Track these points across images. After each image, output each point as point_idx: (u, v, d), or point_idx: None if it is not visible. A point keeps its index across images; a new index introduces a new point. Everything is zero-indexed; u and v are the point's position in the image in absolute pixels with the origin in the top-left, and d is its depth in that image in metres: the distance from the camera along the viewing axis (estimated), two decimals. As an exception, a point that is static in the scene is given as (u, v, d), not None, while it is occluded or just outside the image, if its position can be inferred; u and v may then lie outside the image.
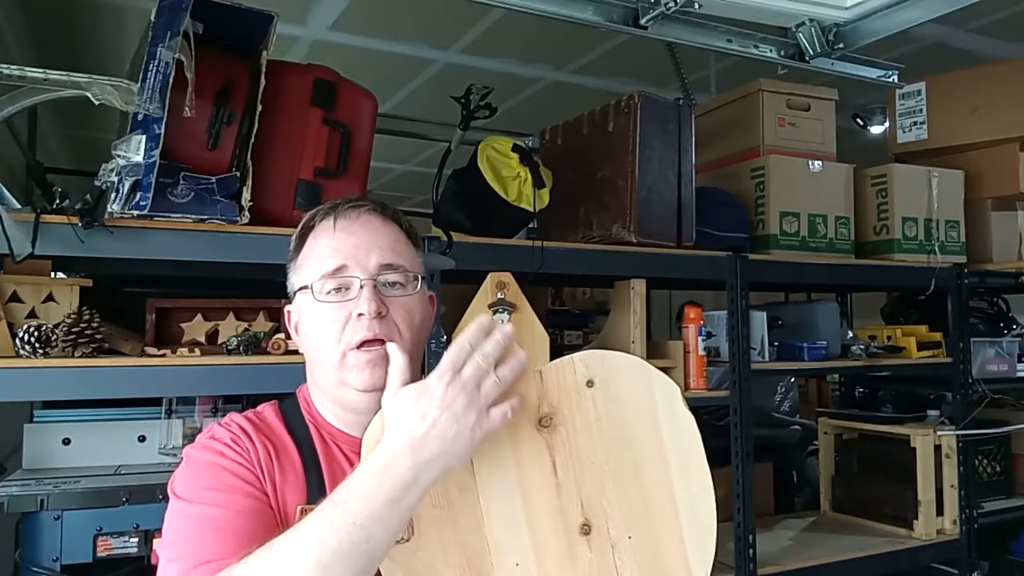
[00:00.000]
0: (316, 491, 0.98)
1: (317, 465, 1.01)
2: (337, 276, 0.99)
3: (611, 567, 0.94)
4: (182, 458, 1.02)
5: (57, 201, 1.57)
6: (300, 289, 1.03)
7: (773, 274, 2.50)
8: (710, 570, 0.97)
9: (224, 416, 1.08)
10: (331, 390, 1.02)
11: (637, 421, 0.97)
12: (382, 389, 0.96)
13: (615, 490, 0.95)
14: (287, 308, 1.09)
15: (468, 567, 0.90)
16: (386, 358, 0.97)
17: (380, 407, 0.95)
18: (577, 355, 0.98)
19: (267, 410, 1.07)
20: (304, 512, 0.94)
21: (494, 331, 0.89)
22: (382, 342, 0.98)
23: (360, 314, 0.97)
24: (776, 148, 2.60)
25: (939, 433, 2.67)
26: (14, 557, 2.03)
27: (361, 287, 0.98)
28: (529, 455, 0.94)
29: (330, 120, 1.82)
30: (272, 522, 0.94)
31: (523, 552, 0.92)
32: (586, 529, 0.94)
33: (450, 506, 0.91)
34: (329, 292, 0.99)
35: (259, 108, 1.69)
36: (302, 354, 1.08)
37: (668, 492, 0.96)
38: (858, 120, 4.30)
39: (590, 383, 0.97)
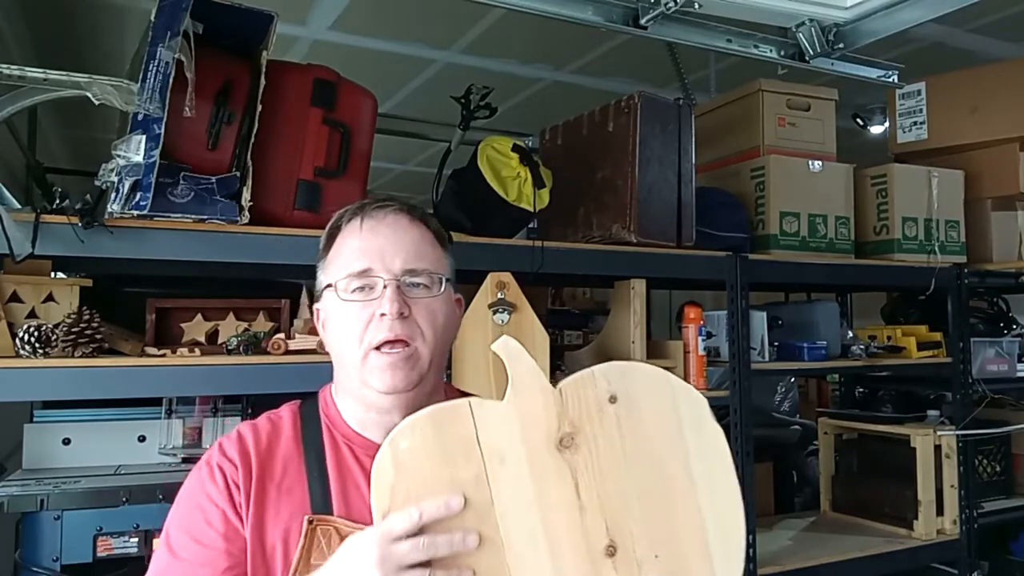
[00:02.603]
0: (320, 500, 0.98)
1: (324, 475, 1.01)
2: (363, 277, 1.00)
3: None
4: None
5: (57, 201, 1.57)
6: (326, 287, 1.04)
7: (773, 274, 2.50)
8: None
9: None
10: (354, 389, 1.02)
11: (662, 436, 0.93)
12: (403, 391, 0.98)
13: (640, 508, 0.91)
14: (316, 306, 1.09)
15: None
16: (409, 360, 0.98)
17: (403, 406, 0.97)
18: (598, 368, 0.93)
19: (285, 412, 1.08)
20: (312, 523, 0.96)
21: (454, 534, 0.86)
22: (404, 343, 0.98)
23: (383, 314, 0.98)
24: (776, 148, 2.60)
25: (939, 433, 2.67)
26: (14, 557, 2.03)
27: (385, 287, 0.99)
28: (550, 477, 0.90)
29: (330, 120, 1.82)
30: (228, 570, 0.96)
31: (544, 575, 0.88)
32: (611, 550, 0.90)
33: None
34: (353, 291, 1.00)
35: (259, 108, 1.69)
36: (327, 352, 1.08)
37: (695, 508, 0.93)
38: (858, 120, 4.30)
39: (612, 399, 0.92)
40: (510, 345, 0.92)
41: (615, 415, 0.92)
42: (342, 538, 0.95)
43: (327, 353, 1.07)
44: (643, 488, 0.92)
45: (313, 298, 1.14)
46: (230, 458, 1.00)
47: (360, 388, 1.01)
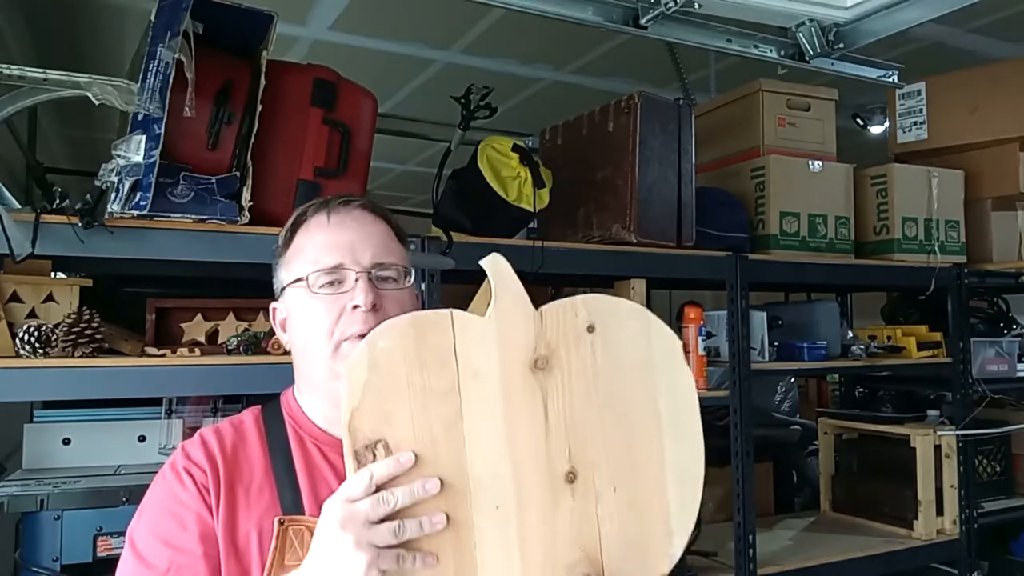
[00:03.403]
0: (290, 501, 0.98)
1: (293, 476, 1.00)
2: (334, 271, 1.00)
3: (592, 518, 0.91)
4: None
5: (57, 201, 1.57)
6: (292, 283, 1.02)
7: (773, 274, 2.50)
8: (690, 532, 0.94)
9: (220, 415, 1.08)
10: (322, 384, 1.01)
11: (634, 372, 0.94)
12: None
13: (605, 440, 0.92)
14: (273, 305, 1.08)
15: (447, 505, 0.87)
16: None
17: None
18: (580, 297, 0.94)
19: (247, 417, 1.07)
20: (283, 524, 0.95)
21: (413, 483, 0.86)
22: None
23: (355, 306, 0.97)
24: (776, 148, 2.60)
25: (939, 433, 2.67)
26: (14, 557, 2.03)
27: (356, 280, 0.99)
28: (520, 397, 0.90)
29: (330, 120, 1.82)
30: (206, 574, 0.94)
31: (504, 495, 0.89)
32: (571, 477, 0.91)
33: (433, 443, 0.87)
34: (323, 285, 0.99)
35: (259, 108, 1.69)
36: (289, 352, 1.07)
37: (658, 449, 0.93)
38: (858, 120, 4.30)
39: (591, 328, 0.93)
40: (499, 264, 0.92)
41: (591, 344, 0.93)
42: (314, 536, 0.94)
43: None
44: (609, 420, 0.92)
45: None
46: (197, 462, 0.99)
47: (328, 382, 1.00)
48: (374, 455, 0.86)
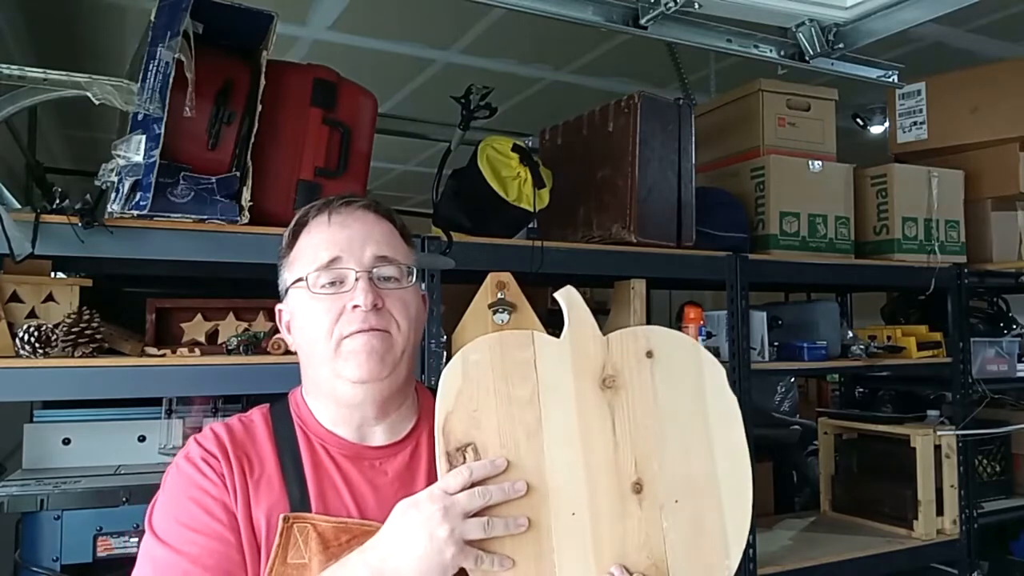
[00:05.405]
0: (298, 499, 0.97)
1: (300, 474, 1.00)
2: (332, 268, 0.99)
3: (659, 527, 0.97)
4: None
5: (57, 201, 1.57)
6: (294, 283, 1.02)
7: (773, 274, 2.50)
8: (744, 545, 1.02)
9: (221, 415, 1.09)
10: (325, 385, 1.01)
11: (687, 395, 1.03)
12: (377, 379, 0.97)
13: (665, 455, 1.00)
14: (279, 307, 1.08)
15: (529, 509, 0.93)
16: (384, 342, 0.98)
17: (375, 398, 0.99)
18: (640, 328, 1.05)
19: (256, 415, 1.06)
20: (288, 520, 0.95)
21: (504, 483, 0.93)
22: (380, 332, 0.98)
23: (356, 306, 0.97)
24: (776, 148, 2.60)
25: (939, 433, 2.67)
26: (14, 557, 2.03)
27: (356, 279, 0.98)
28: (592, 410, 0.99)
29: (330, 120, 1.82)
30: (238, 562, 0.94)
31: (580, 502, 0.95)
32: (638, 488, 0.98)
33: (516, 448, 0.95)
34: (324, 285, 0.99)
35: (259, 108, 1.69)
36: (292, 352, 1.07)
37: (711, 466, 1.01)
38: (858, 120, 4.30)
39: (650, 354, 1.02)
40: (572, 294, 1.02)
41: (650, 368, 1.03)
42: (319, 534, 0.94)
43: None
44: (667, 437, 1.01)
45: None
46: (212, 453, 0.99)
47: (331, 382, 1.00)
48: (464, 457, 0.94)
